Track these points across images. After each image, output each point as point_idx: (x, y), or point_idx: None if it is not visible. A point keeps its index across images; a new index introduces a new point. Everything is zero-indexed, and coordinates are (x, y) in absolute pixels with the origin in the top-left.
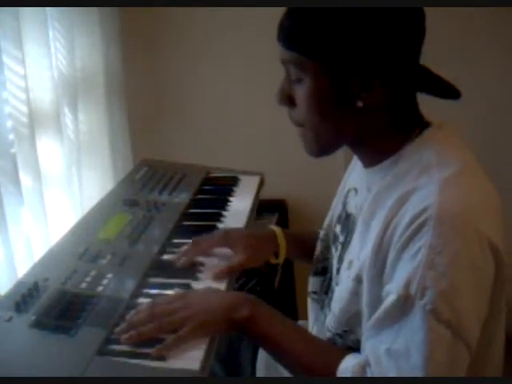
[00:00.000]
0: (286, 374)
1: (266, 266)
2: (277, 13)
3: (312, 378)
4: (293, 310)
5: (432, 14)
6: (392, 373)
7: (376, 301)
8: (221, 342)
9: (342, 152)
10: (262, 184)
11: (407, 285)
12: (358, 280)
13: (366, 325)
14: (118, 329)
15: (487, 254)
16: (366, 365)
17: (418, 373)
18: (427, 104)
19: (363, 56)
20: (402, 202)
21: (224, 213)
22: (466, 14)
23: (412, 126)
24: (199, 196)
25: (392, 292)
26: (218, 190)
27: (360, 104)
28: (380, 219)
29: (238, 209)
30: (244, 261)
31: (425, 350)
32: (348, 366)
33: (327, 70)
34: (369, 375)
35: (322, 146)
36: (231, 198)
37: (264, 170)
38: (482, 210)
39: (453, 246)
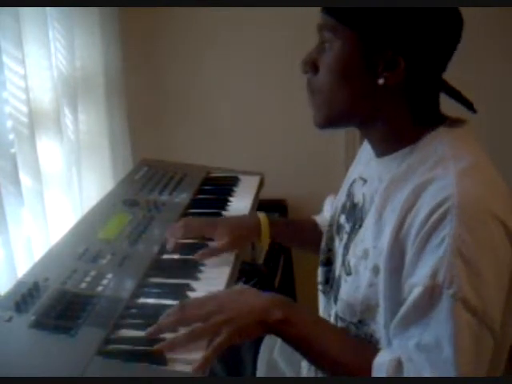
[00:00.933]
0: (287, 373)
1: (266, 264)
2: (277, 13)
3: (349, 376)
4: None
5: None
6: (426, 368)
7: (394, 295)
8: None
9: (343, 152)
10: (261, 184)
11: (434, 275)
12: (375, 270)
13: (392, 322)
14: (148, 331)
15: (505, 241)
16: (400, 362)
17: (450, 365)
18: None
19: (397, 33)
20: (417, 193)
21: (224, 213)
22: (466, 14)
23: (430, 122)
24: (199, 196)
25: (417, 285)
26: (218, 190)
27: (380, 81)
28: (395, 211)
29: (238, 209)
30: (227, 244)
31: (455, 340)
32: (385, 360)
33: (360, 38)
34: (404, 372)
35: (331, 115)
36: (231, 198)
37: (264, 170)
38: (498, 199)
39: (476, 234)
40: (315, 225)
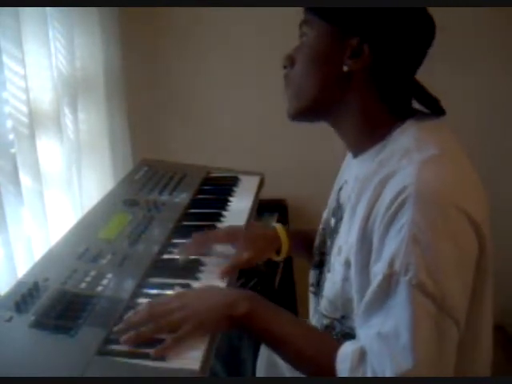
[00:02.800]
0: (286, 373)
1: (266, 264)
2: (277, 13)
3: (313, 370)
4: (293, 309)
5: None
6: (385, 356)
7: (364, 287)
8: (221, 341)
9: (343, 153)
10: (261, 184)
11: (391, 263)
12: (347, 264)
13: (357, 311)
14: (115, 328)
15: (468, 230)
16: (363, 351)
17: (408, 352)
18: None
19: (363, 20)
20: (382, 184)
21: (224, 213)
22: (466, 13)
23: (401, 116)
24: (199, 196)
25: (378, 273)
26: (217, 190)
27: (345, 68)
28: (363, 204)
29: (238, 209)
30: (249, 258)
31: (413, 327)
32: (348, 350)
33: (330, 28)
34: (368, 361)
35: (300, 105)
36: (231, 198)
37: (264, 170)
38: (461, 189)
39: (434, 222)
40: None
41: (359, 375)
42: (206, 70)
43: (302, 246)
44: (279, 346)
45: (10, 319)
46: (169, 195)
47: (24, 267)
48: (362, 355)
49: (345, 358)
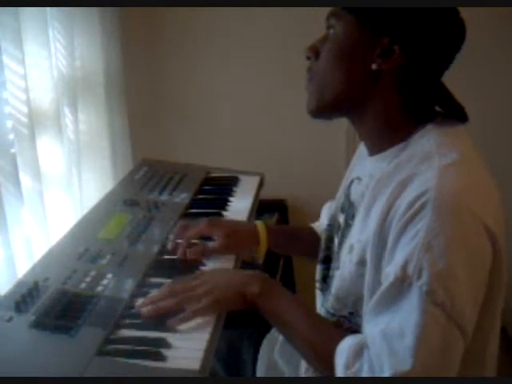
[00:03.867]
0: (287, 373)
1: (266, 264)
2: (277, 13)
3: (314, 358)
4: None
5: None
6: (384, 353)
7: (376, 286)
8: (221, 341)
9: (343, 153)
10: (261, 184)
11: (404, 266)
12: (362, 263)
13: (366, 308)
14: (138, 303)
15: (483, 239)
16: (363, 346)
17: (408, 355)
18: None
19: (396, 21)
20: (402, 186)
21: (224, 213)
22: (466, 14)
23: (423, 118)
24: (199, 196)
25: (390, 274)
26: (218, 190)
27: (374, 66)
28: (381, 204)
29: (238, 209)
30: (220, 246)
31: (418, 331)
32: (346, 345)
33: (360, 24)
34: (365, 356)
35: (325, 102)
36: (231, 198)
37: (264, 170)
38: (479, 197)
39: (450, 229)
40: (313, 233)
41: (353, 370)
42: (206, 70)
43: (283, 241)
44: (286, 330)
45: (9, 319)
46: (169, 195)
47: (24, 267)
48: (359, 351)
49: (342, 353)
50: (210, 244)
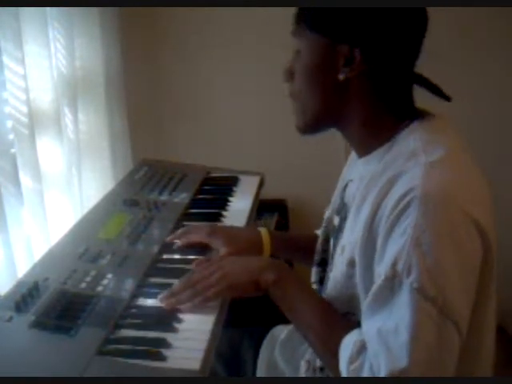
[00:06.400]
0: (287, 373)
1: None
2: (276, 13)
3: (321, 349)
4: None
5: (432, 14)
6: (382, 351)
7: (369, 285)
8: (222, 341)
9: (343, 153)
10: (261, 184)
11: (394, 264)
12: (351, 264)
13: (362, 307)
14: (160, 296)
15: (473, 234)
16: (364, 343)
17: (404, 352)
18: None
19: (351, 26)
20: (389, 185)
21: (224, 213)
22: (466, 14)
23: (405, 116)
24: (199, 196)
25: (381, 273)
26: (217, 190)
27: (341, 77)
28: (369, 204)
29: (238, 209)
30: (227, 254)
31: (413, 328)
32: (352, 340)
33: (320, 38)
34: (366, 354)
35: (308, 120)
36: (231, 198)
37: (264, 170)
38: (466, 192)
39: (437, 225)
40: (316, 239)
41: (356, 364)
42: (206, 70)
43: (286, 249)
44: (294, 318)
45: (9, 319)
46: (169, 195)
47: (24, 267)
48: (362, 347)
49: (347, 347)
50: (215, 255)
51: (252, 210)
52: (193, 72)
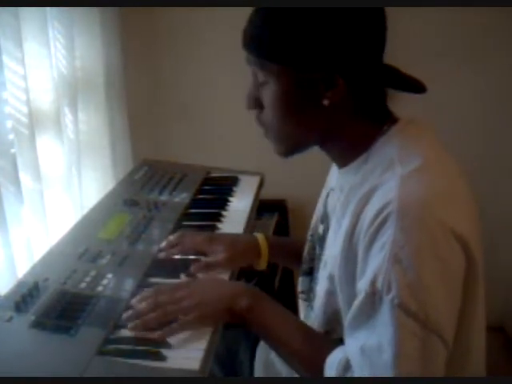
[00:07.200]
0: (283, 373)
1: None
2: None
3: (305, 370)
4: (293, 309)
5: (431, 13)
6: (366, 370)
7: (351, 300)
8: (219, 343)
9: None
10: (261, 184)
11: (373, 281)
12: (331, 279)
13: (345, 322)
14: (124, 315)
15: (453, 245)
16: (349, 361)
17: (389, 369)
18: (423, 103)
19: (322, 52)
20: (366, 198)
21: (224, 213)
22: (466, 13)
23: (380, 123)
24: (199, 196)
25: (361, 290)
26: (218, 190)
27: (326, 102)
28: (348, 217)
29: (238, 209)
30: (222, 260)
31: (396, 345)
32: (336, 359)
33: (289, 70)
34: (350, 372)
35: (288, 148)
36: (231, 198)
37: (264, 170)
38: (444, 201)
39: (415, 239)
40: None
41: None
42: (206, 70)
43: (284, 254)
44: (274, 343)
45: (9, 319)
46: (169, 195)
47: (24, 267)
48: (348, 364)
49: (331, 366)
50: (214, 258)
51: (252, 210)
52: (193, 71)
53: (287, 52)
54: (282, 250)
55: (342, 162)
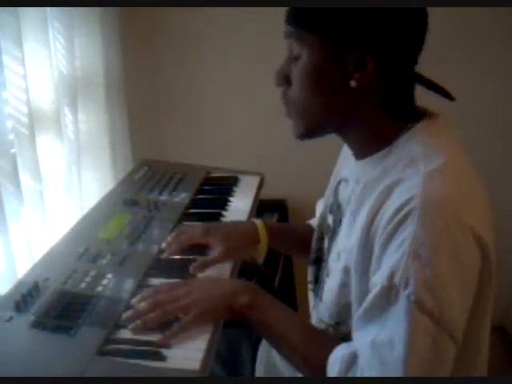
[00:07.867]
0: (285, 373)
1: (266, 265)
2: (275, 13)
3: (305, 368)
4: (293, 308)
5: (431, 14)
6: (375, 364)
7: (364, 294)
8: (220, 342)
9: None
10: (261, 184)
11: (391, 275)
12: (346, 271)
13: (354, 315)
14: (124, 315)
15: (471, 245)
16: (355, 356)
17: (400, 365)
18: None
19: (359, 32)
20: (387, 193)
21: (224, 213)
22: (465, 14)
23: (406, 119)
24: (199, 196)
25: (377, 283)
26: (218, 190)
27: (353, 84)
28: (366, 211)
29: (238, 209)
30: (220, 254)
31: (408, 341)
32: (338, 355)
33: (324, 44)
34: (358, 367)
35: (308, 125)
36: (231, 198)
37: (264, 170)
38: (465, 202)
39: (435, 237)
40: (311, 231)
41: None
42: (206, 70)
43: (283, 240)
44: (275, 341)
45: (9, 319)
46: (169, 195)
47: (24, 267)
48: (352, 360)
49: (335, 363)
50: (210, 255)
51: (252, 210)
52: (193, 72)
53: (325, 24)
54: (281, 236)
55: (361, 153)
